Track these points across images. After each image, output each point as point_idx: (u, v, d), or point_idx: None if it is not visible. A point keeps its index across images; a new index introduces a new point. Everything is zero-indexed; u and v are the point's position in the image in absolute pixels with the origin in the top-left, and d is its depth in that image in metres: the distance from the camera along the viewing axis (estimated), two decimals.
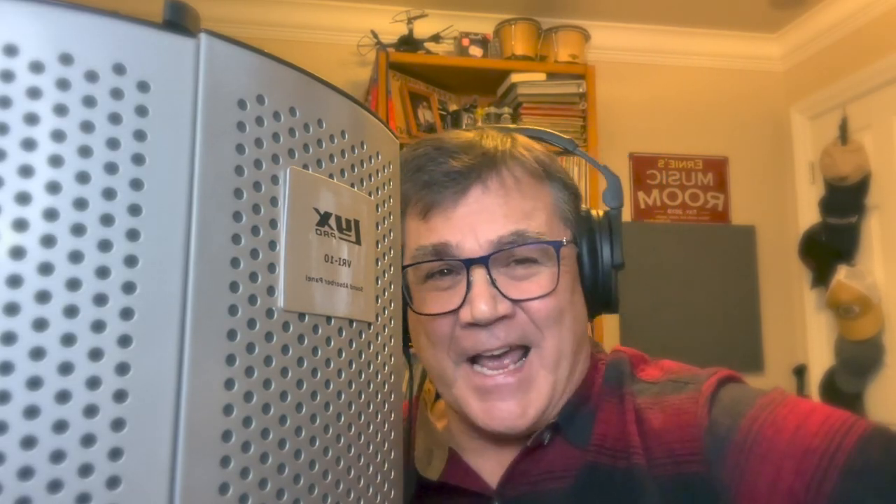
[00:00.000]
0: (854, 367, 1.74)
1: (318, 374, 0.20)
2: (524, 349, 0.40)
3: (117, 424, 0.15)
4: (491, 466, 0.42)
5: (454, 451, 0.43)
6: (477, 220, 0.39)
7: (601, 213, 0.44)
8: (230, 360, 0.17)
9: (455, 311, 0.38)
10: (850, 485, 0.32)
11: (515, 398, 0.39)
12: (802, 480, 0.33)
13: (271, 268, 0.19)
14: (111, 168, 0.16)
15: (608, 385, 0.42)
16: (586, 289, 0.43)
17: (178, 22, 0.18)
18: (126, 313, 0.16)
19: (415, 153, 0.41)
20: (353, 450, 0.21)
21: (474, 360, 0.40)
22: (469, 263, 0.38)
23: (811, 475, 0.33)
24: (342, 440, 0.20)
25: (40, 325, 0.15)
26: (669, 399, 0.40)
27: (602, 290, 0.43)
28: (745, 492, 0.35)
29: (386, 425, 0.23)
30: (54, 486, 0.14)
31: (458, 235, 0.39)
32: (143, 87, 0.17)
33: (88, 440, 0.15)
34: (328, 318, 0.20)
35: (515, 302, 0.38)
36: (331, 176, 0.21)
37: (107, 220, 0.16)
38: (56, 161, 0.16)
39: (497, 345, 0.39)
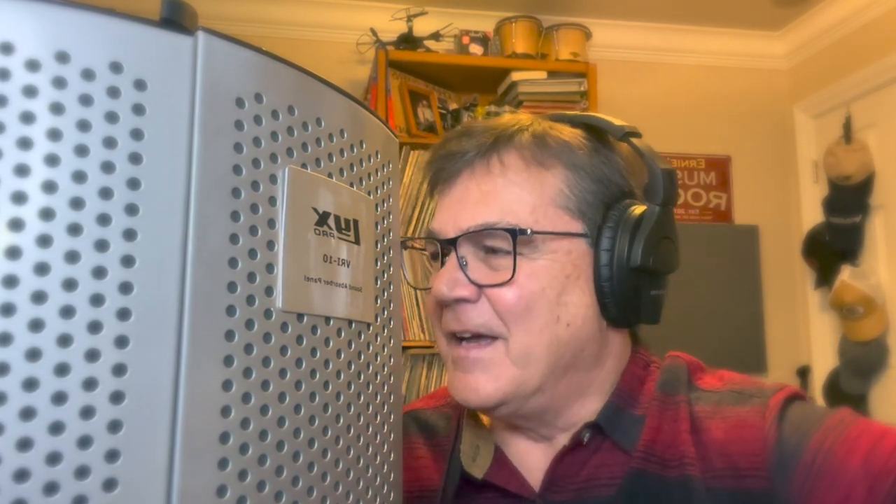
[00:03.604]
0: (858, 368, 1.73)
1: (317, 376, 0.19)
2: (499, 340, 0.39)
3: (114, 426, 0.15)
4: (534, 466, 0.41)
5: (500, 450, 0.42)
6: (460, 206, 0.39)
7: (642, 209, 0.39)
8: (228, 360, 0.17)
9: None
10: None
11: (474, 374, 0.38)
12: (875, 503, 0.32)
13: (269, 268, 0.18)
14: (108, 167, 0.16)
15: (662, 390, 0.41)
16: (600, 289, 0.39)
17: (176, 20, 0.17)
18: (123, 314, 0.16)
19: (451, 130, 0.43)
20: (351, 451, 0.20)
21: (455, 339, 0.40)
22: (443, 244, 0.39)
23: (883, 500, 0.32)
24: (341, 442, 0.20)
25: (37, 325, 0.15)
26: (732, 410, 0.39)
27: (618, 293, 0.38)
28: None
29: (385, 427, 0.22)
30: (50, 488, 0.14)
31: (443, 223, 0.40)
32: (140, 85, 0.17)
33: (85, 442, 0.15)
34: (327, 319, 0.20)
35: (481, 287, 0.38)
36: (330, 175, 0.21)
37: (103, 219, 0.16)
38: (52, 160, 0.15)
39: (459, 328, 0.38)
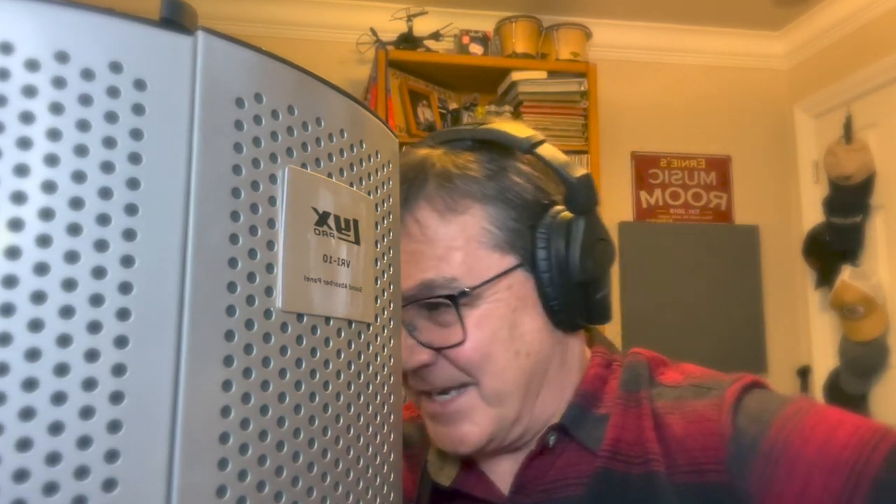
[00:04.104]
0: (859, 368, 1.73)
1: (317, 376, 0.19)
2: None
3: (114, 426, 0.15)
4: (504, 471, 0.42)
5: (468, 456, 0.42)
6: (403, 269, 0.38)
7: (568, 218, 0.39)
8: (228, 361, 0.17)
9: None
10: (879, 499, 0.31)
11: (455, 425, 0.39)
12: (831, 494, 0.32)
13: (269, 268, 0.18)
14: (107, 167, 0.16)
15: (624, 388, 0.41)
16: (549, 308, 0.39)
17: (176, 19, 0.17)
18: (123, 314, 0.16)
19: None
20: (351, 452, 0.20)
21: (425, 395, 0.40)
22: None
23: (840, 488, 0.32)
24: (341, 442, 0.20)
25: (36, 325, 0.15)
26: (691, 404, 0.39)
27: (567, 308, 0.39)
28: (772, 503, 0.34)
29: (385, 427, 0.22)
30: (50, 488, 0.14)
31: None
32: (139, 85, 0.17)
33: (84, 442, 0.15)
34: (327, 319, 0.20)
35: (437, 350, 0.38)
36: (329, 175, 0.21)
37: (103, 219, 0.16)
38: (52, 160, 0.15)
39: (429, 388, 0.39)
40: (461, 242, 0.38)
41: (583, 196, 0.38)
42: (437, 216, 0.38)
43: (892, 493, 0.31)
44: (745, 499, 0.35)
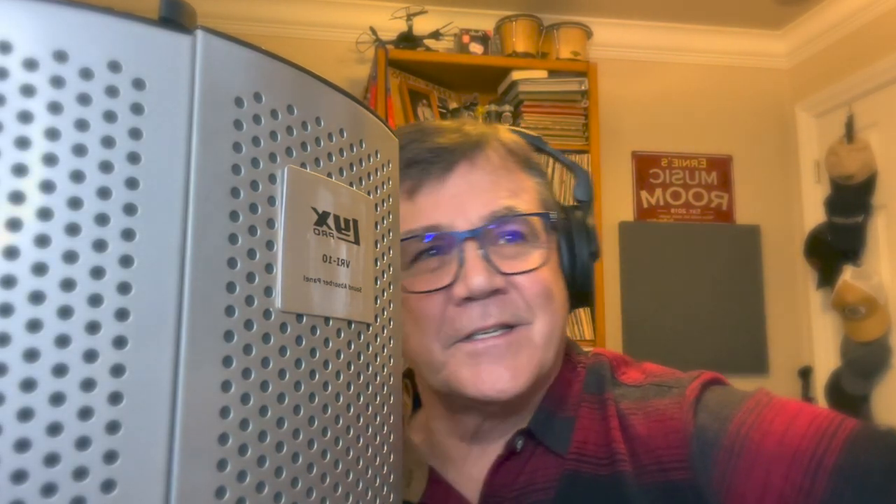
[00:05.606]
0: (860, 368, 1.73)
1: (317, 376, 0.19)
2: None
3: (112, 427, 0.15)
4: (472, 480, 0.41)
5: (434, 470, 0.42)
6: (466, 198, 0.39)
7: (576, 207, 0.45)
8: (227, 361, 0.17)
9: (446, 288, 0.38)
10: (840, 486, 0.31)
11: (505, 361, 0.38)
12: (793, 484, 0.33)
13: (269, 268, 0.18)
14: (106, 167, 0.16)
15: (588, 391, 0.42)
16: (566, 279, 0.43)
17: (175, 18, 0.17)
18: (121, 314, 0.16)
19: (397, 133, 0.42)
20: (351, 453, 0.20)
21: (467, 339, 0.39)
22: (461, 237, 0.38)
23: (801, 478, 0.32)
24: (340, 443, 0.20)
25: (34, 326, 0.15)
26: (653, 403, 0.39)
27: (581, 280, 0.43)
28: (735, 497, 0.34)
29: (385, 428, 0.22)
30: (48, 489, 0.14)
31: (448, 216, 0.39)
32: (138, 84, 0.17)
33: (83, 443, 0.15)
34: (326, 320, 0.20)
35: (507, 277, 0.38)
36: (329, 175, 0.21)
37: (102, 219, 0.16)
38: (50, 160, 0.15)
39: (491, 322, 0.38)
40: (529, 189, 0.41)
41: (590, 187, 0.45)
42: (516, 161, 0.41)
43: (851, 479, 0.31)
44: (710, 495, 0.35)
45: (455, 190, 0.39)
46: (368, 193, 0.23)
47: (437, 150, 0.39)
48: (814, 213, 1.90)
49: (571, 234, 0.42)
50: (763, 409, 0.36)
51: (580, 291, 0.43)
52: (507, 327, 0.38)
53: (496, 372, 0.38)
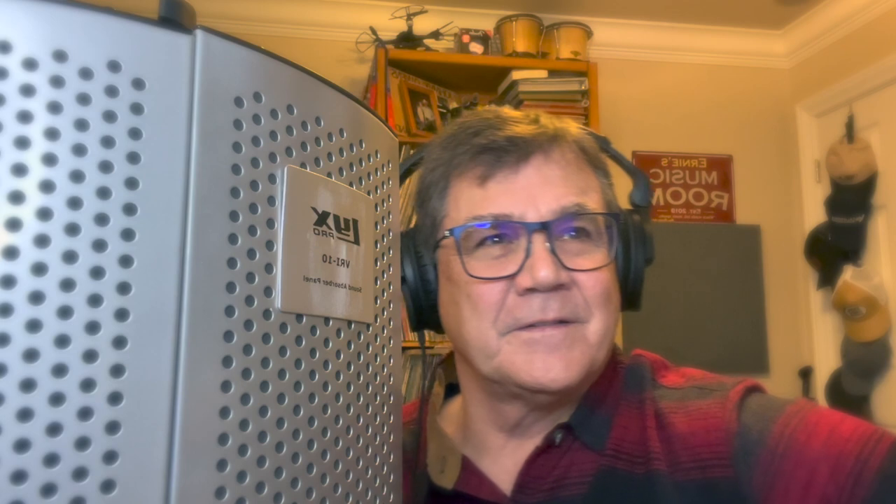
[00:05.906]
0: (860, 369, 1.73)
1: (316, 377, 0.19)
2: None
3: (112, 427, 0.15)
4: (506, 471, 0.41)
5: (468, 459, 0.42)
6: (539, 191, 0.39)
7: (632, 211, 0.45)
8: (227, 361, 0.17)
9: (511, 277, 0.38)
10: (883, 489, 0.32)
11: (560, 352, 0.38)
12: (836, 484, 0.33)
13: (268, 268, 0.18)
14: (106, 167, 0.16)
15: (628, 390, 0.42)
16: (619, 281, 0.42)
17: (174, 18, 0.17)
18: (121, 314, 0.16)
19: (471, 119, 0.42)
20: (351, 453, 0.20)
21: (524, 327, 0.39)
22: (532, 228, 0.38)
23: (845, 479, 0.33)
24: (340, 443, 0.20)
25: (34, 325, 0.15)
26: (695, 403, 0.40)
27: (633, 284, 0.43)
28: (777, 496, 0.35)
29: (385, 428, 0.22)
30: (48, 489, 0.14)
31: (520, 206, 0.39)
32: (138, 84, 0.17)
33: (83, 443, 0.15)
34: (326, 320, 0.20)
35: (571, 273, 0.38)
36: (329, 175, 0.21)
37: (101, 219, 0.16)
38: (50, 159, 0.15)
39: (551, 316, 0.38)
40: (597, 188, 0.42)
41: (648, 192, 0.46)
42: (586, 159, 0.42)
43: (894, 484, 0.32)
44: (749, 494, 0.36)
45: (528, 181, 0.39)
46: (368, 193, 0.23)
47: (514, 139, 0.39)
48: (814, 213, 1.90)
49: (629, 237, 0.42)
50: (807, 413, 0.37)
51: (631, 294, 0.43)
52: (564, 322, 0.38)
53: (550, 361, 0.38)
